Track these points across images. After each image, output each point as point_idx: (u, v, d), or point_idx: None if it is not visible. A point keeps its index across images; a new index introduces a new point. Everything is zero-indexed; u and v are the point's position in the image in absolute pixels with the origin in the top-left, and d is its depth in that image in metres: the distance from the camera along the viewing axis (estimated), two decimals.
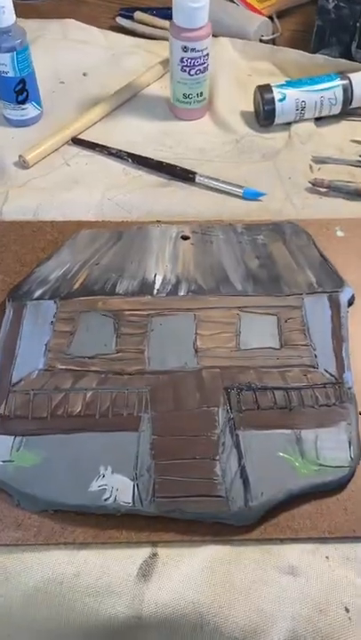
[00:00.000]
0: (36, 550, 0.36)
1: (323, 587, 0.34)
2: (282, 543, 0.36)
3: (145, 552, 0.36)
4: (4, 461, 0.38)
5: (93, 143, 0.63)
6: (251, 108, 0.67)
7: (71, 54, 0.75)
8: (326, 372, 0.42)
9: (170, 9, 0.60)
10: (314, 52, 0.71)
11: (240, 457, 0.38)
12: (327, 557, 0.35)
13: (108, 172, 0.60)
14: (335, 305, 0.46)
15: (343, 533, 0.36)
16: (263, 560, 0.35)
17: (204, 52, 0.62)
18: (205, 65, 0.63)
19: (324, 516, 0.36)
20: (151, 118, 0.67)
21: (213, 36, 0.63)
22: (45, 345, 0.44)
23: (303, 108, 0.63)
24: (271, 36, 0.77)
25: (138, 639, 0.35)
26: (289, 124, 0.65)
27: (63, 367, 0.42)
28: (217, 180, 0.58)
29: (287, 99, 0.63)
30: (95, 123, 0.66)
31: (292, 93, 0.63)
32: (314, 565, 0.35)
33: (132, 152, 0.61)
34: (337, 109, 0.64)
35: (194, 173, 0.59)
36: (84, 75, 0.72)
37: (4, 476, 0.38)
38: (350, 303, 0.47)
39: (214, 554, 0.35)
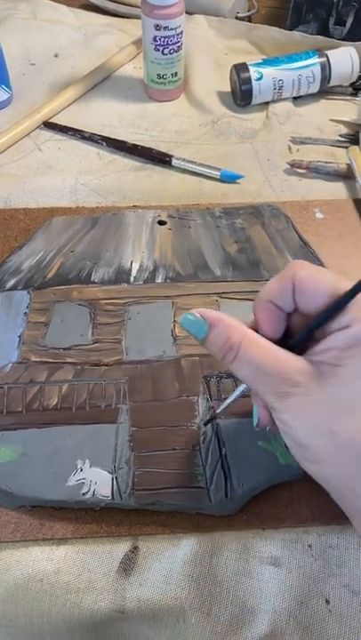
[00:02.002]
0: (14, 547, 0.35)
1: (304, 578, 0.34)
2: (264, 532, 0.36)
3: (126, 546, 0.35)
4: None
5: (66, 127, 0.61)
6: (227, 88, 0.65)
7: (42, 34, 0.72)
8: None
9: None
10: (291, 29, 0.70)
11: (221, 446, 0.37)
12: (310, 546, 0.35)
13: (81, 156, 0.59)
14: None
15: (326, 520, 0.35)
16: (245, 551, 0.35)
17: (178, 31, 0.60)
18: (179, 44, 0.61)
19: (307, 503, 0.36)
20: (125, 100, 0.65)
21: (187, 13, 0.62)
22: (19, 337, 0.42)
23: (281, 87, 0.62)
24: (247, 13, 0.75)
25: (121, 631, 0.35)
26: (267, 103, 0.64)
27: (38, 359, 0.41)
28: (194, 162, 0.57)
29: (264, 78, 0.61)
30: (68, 105, 0.64)
31: (269, 72, 0.61)
32: (296, 555, 0.35)
33: (107, 135, 0.60)
34: (315, 88, 0.63)
35: (170, 156, 0.57)
36: (56, 56, 0.70)
37: None
38: None
39: (196, 547, 0.35)
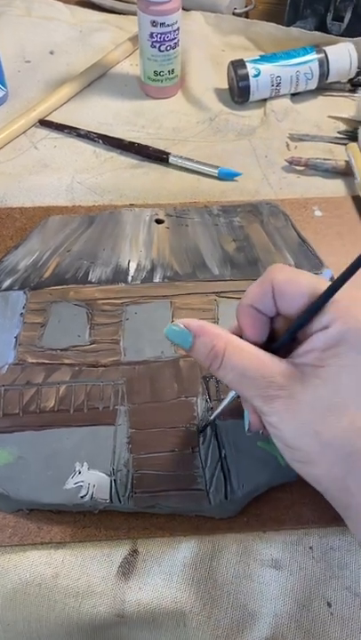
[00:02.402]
0: (12, 552, 0.35)
1: (306, 580, 0.34)
2: (265, 534, 0.35)
3: (125, 549, 0.35)
4: None
5: (62, 125, 0.60)
6: (225, 85, 0.65)
7: (37, 31, 0.72)
8: None
9: None
10: (288, 25, 0.69)
11: (220, 448, 0.37)
12: (311, 548, 0.35)
13: (77, 154, 0.58)
14: None
15: (327, 522, 0.35)
16: (246, 554, 0.34)
17: (175, 27, 0.59)
18: (176, 40, 0.60)
19: (307, 505, 0.36)
20: (122, 97, 0.65)
21: (184, 9, 0.61)
22: (15, 338, 0.42)
23: (279, 84, 0.62)
24: (244, 9, 0.75)
25: (121, 636, 0.35)
26: (264, 100, 0.63)
27: (35, 360, 0.41)
28: (191, 160, 0.56)
29: (262, 74, 0.61)
30: (63, 103, 0.63)
31: (266, 69, 0.61)
32: (297, 557, 0.34)
33: (103, 133, 0.59)
34: (313, 84, 0.63)
35: (167, 154, 0.57)
36: (51, 53, 0.70)
37: None
38: None
39: (196, 549, 0.35)
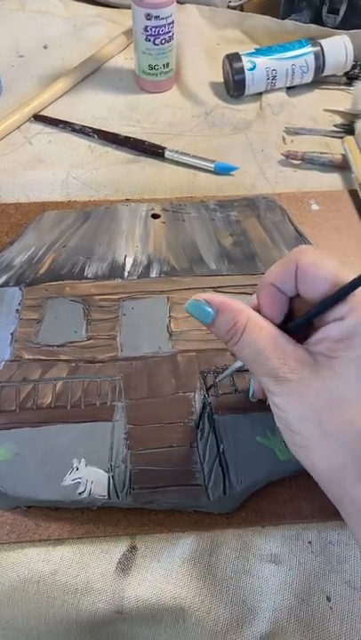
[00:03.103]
0: (9, 549, 0.35)
1: (305, 575, 0.34)
2: (264, 529, 0.35)
3: (123, 546, 0.35)
4: None
5: (56, 119, 0.60)
6: (220, 79, 0.65)
7: (30, 26, 0.71)
8: None
9: None
10: (283, 18, 0.69)
11: (218, 443, 0.37)
12: (310, 543, 0.35)
13: (72, 149, 0.58)
14: None
15: (326, 516, 0.35)
16: (245, 549, 0.34)
17: (169, 20, 0.59)
18: (171, 34, 0.60)
19: (306, 499, 0.35)
20: (116, 92, 0.64)
21: (178, 2, 0.61)
22: (11, 334, 0.42)
23: (274, 77, 0.61)
24: (239, 2, 0.74)
25: (120, 632, 0.35)
26: (260, 94, 0.63)
27: (31, 357, 0.40)
28: (187, 154, 0.56)
29: (257, 67, 0.61)
30: (58, 98, 0.63)
31: (262, 62, 0.61)
32: (296, 552, 0.34)
33: (98, 128, 0.59)
34: (309, 77, 0.62)
35: (163, 148, 0.56)
36: (45, 47, 0.69)
37: None
38: None
39: (195, 545, 0.34)
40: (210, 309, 0.30)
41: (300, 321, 0.29)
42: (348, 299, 0.27)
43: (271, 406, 0.29)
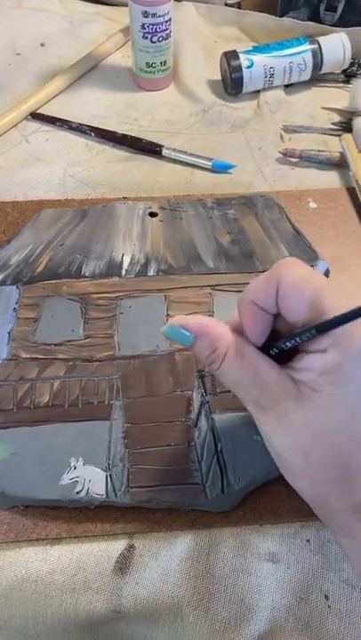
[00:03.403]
0: (7, 548, 0.35)
1: (303, 573, 0.34)
2: (262, 528, 0.35)
3: (121, 545, 0.35)
4: None
5: (54, 117, 0.60)
6: (217, 77, 0.64)
7: (27, 23, 0.71)
8: None
9: None
10: (281, 16, 0.69)
11: (216, 442, 0.36)
12: (308, 541, 0.34)
13: (69, 147, 0.58)
14: None
15: None
16: (243, 547, 0.34)
17: (166, 18, 0.59)
18: (168, 31, 0.60)
19: None
20: (114, 90, 0.64)
21: (176, 0, 0.60)
22: (8, 333, 0.41)
23: (272, 75, 0.61)
24: (236, 0, 0.74)
25: (118, 631, 0.34)
26: (258, 92, 0.63)
27: (28, 356, 0.40)
28: (185, 152, 0.56)
29: (255, 65, 0.60)
30: (55, 96, 0.63)
31: (259, 59, 0.60)
32: (294, 550, 0.34)
33: (95, 126, 0.59)
34: (307, 75, 0.62)
35: (160, 146, 0.56)
36: (42, 45, 0.69)
37: None
38: (325, 277, 0.45)
39: (193, 544, 0.34)
40: (188, 333, 0.29)
41: (281, 347, 0.28)
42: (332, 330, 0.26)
43: (259, 429, 0.29)
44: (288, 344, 0.27)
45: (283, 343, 0.28)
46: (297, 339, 0.27)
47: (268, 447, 0.29)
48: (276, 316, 0.29)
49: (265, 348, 0.29)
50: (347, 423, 0.26)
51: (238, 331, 0.29)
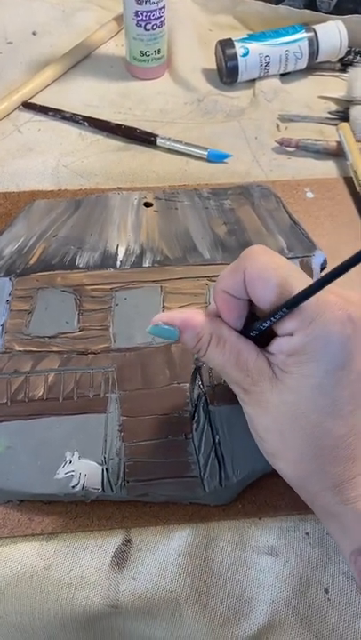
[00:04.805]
0: (2, 544, 0.34)
1: (302, 566, 0.33)
2: (261, 521, 0.35)
3: (118, 539, 0.34)
4: None
5: (46, 107, 0.59)
6: (212, 66, 0.64)
7: (18, 12, 0.70)
8: None
9: None
10: (277, 3, 0.68)
11: (214, 434, 0.36)
12: (307, 534, 0.34)
13: (63, 137, 0.57)
14: (307, 270, 0.43)
15: None
16: (241, 541, 0.34)
17: (161, 5, 0.58)
18: (162, 19, 0.59)
19: None
20: (107, 79, 0.63)
21: None
22: (2, 326, 0.41)
23: (268, 64, 0.60)
24: None
25: (115, 626, 0.34)
26: (253, 80, 0.62)
27: (22, 349, 0.40)
28: (180, 142, 0.55)
29: (250, 53, 0.60)
30: (47, 85, 0.62)
31: (255, 48, 0.60)
32: (293, 544, 0.34)
33: (89, 115, 0.58)
34: (303, 64, 0.62)
35: (155, 136, 0.55)
36: (34, 34, 0.68)
37: None
38: (323, 268, 0.45)
39: (191, 538, 0.34)
40: (172, 329, 0.31)
41: (255, 330, 0.30)
42: (296, 314, 0.27)
43: (245, 412, 0.31)
44: (264, 324, 0.29)
45: (260, 324, 0.29)
46: (271, 318, 0.28)
47: (251, 429, 0.30)
48: (251, 301, 0.30)
49: (245, 332, 0.30)
50: (315, 402, 0.28)
51: (219, 317, 0.31)
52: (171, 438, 0.36)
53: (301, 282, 0.27)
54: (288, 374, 0.28)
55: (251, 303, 0.30)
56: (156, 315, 0.41)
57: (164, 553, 0.34)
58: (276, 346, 0.28)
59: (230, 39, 0.60)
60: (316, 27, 0.61)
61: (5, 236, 0.46)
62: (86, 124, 0.57)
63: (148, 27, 0.58)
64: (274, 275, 0.28)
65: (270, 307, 0.28)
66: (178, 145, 0.55)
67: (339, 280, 0.25)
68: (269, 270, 0.28)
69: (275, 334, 0.29)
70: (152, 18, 0.58)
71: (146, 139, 0.56)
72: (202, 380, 0.38)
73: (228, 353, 0.29)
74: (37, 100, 0.60)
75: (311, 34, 0.60)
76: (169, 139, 0.55)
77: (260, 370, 0.29)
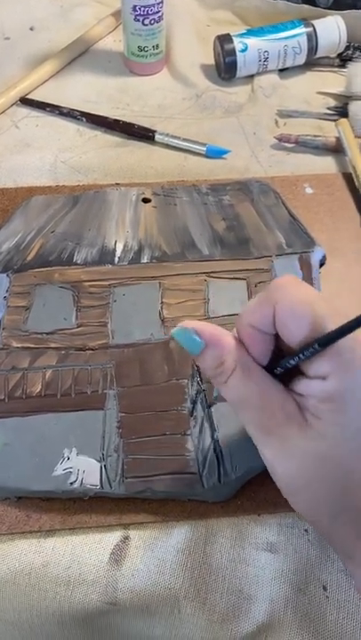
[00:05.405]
0: (0, 541, 0.34)
1: (301, 564, 0.33)
2: (260, 517, 0.34)
3: (116, 536, 0.34)
4: None
5: (44, 103, 0.59)
6: (211, 61, 0.63)
7: (16, 7, 0.70)
8: None
9: None
10: None
11: (213, 430, 0.36)
12: (306, 531, 0.34)
13: (60, 133, 0.56)
14: (306, 266, 0.43)
15: None
16: (240, 538, 0.34)
17: (158, 0, 0.57)
18: (160, 14, 0.59)
19: None
20: (105, 74, 0.63)
21: None
22: None
23: (266, 59, 0.60)
24: None
25: (114, 624, 0.34)
26: (252, 76, 0.62)
27: (19, 345, 0.39)
28: (178, 137, 0.55)
29: (249, 49, 0.59)
30: (45, 81, 0.61)
31: (253, 43, 0.59)
32: (293, 540, 0.34)
33: (87, 111, 0.57)
34: (301, 59, 0.61)
35: (153, 132, 0.55)
36: (31, 29, 0.67)
37: None
38: (322, 264, 0.45)
39: (189, 534, 0.34)
40: (200, 340, 0.28)
41: (280, 367, 0.27)
42: (330, 354, 0.25)
43: (259, 451, 0.28)
44: (292, 361, 0.27)
45: (287, 361, 0.27)
46: (300, 355, 0.26)
47: (269, 470, 0.28)
48: (278, 335, 0.28)
49: (268, 368, 0.28)
50: (349, 450, 0.26)
51: (243, 346, 0.28)
52: (169, 435, 0.36)
53: (336, 318, 0.25)
54: (321, 421, 0.26)
55: (276, 338, 0.28)
56: (154, 311, 0.41)
57: (162, 550, 0.33)
58: (306, 388, 0.26)
59: (229, 34, 0.60)
60: (315, 22, 0.60)
61: (3, 232, 0.46)
62: (84, 119, 0.57)
63: (146, 22, 0.58)
64: (308, 310, 0.26)
65: (300, 344, 0.26)
66: (176, 141, 0.55)
67: None
68: (304, 305, 0.26)
69: (300, 373, 0.27)
70: (150, 13, 0.58)
71: (144, 134, 0.55)
72: (200, 377, 0.38)
73: (254, 386, 0.27)
74: (35, 96, 0.59)
75: (310, 29, 0.60)
76: (167, 134, 0.55)
77: (288, 413, 0.26)
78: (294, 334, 0.26)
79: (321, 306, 0.26)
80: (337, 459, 0.26)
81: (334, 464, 0.26)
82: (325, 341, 0.25)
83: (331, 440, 0.26)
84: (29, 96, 0.59)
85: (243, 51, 0.59)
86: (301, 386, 0.27)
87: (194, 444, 0.35)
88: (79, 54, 0.64)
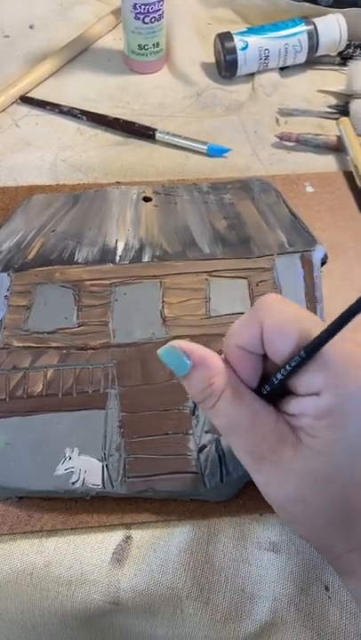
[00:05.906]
0: (1, 541, 0.34)
1: (304, 564, 0.33)
2: (262, 517, 0.34)
3: (118, 536, 0.34)
4: None
5: (44, 101, 0.58)
6: (211, 59, 0.63)
7: (15, 5, 0.69)
8: None
9: None
10: None
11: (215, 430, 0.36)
12: None
13: (61, 131, 0.56)
14: (308, 265, 0.43)
15: None
16: (243, 537, 0.34)
17: None
18: (161, 12, 0.58)
19: None
20: (105, 72, 0.63)
21: None
22: (0, 321, 0.40)
23: (267, 57, 0.60)
24: None
25: (116, 624, 0.34)
26: (252, 74, 0.61)
27: (21, 344, 0.39)
28: (179, 136, 0.55)
29: (250, 47, 0.59)
30: (45, 79, 0.61)
31: (254, 41, 0.59)
32: (295, 540, 0.34)
33: (87, 109, 0.57)
34: (302, 58, 0.61)
35: (154, 130, 0.55)
36: (31, 27, 0.67)
37: None
38: (323, 262, 0.44)
39: (192, 534, 0.34)
40: (187, 361, 0.27)
41: (272, 385, 0.27)
42: (321, 368, 0.24)
43: (252, 478, 0.27)
44: (279, 375, 0.26)
45: (274, 376, 0.26)
46: (286, 366, 0.25)
47: (265, 496, 0.27)
48: (266, 356, 0.27)
49: (257, 391, 0.27)
50: (347, 467, 0.25)
51: (231, 368, 0.27)
52: (171, 434, 0.36)
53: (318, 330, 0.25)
54: (317, 439, 0.25)
55: (264, 361, 0.27)
56: (155, 310, 0.41)
57: (164, 549, 0.33)
58: (299, 407, 0.26)
59: (229, 32, 0.60)
60: (316, 20, 0.60)
61: (3, 231, 0.46)
62: (84, 118, 0.57)
63: (147, 20, 0.58)
64: (296, 326, 0.25)
65: (286, 359, 0.25)
66: (177, 139, 0.54)
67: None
68: (291, 322, 0.25)
69: (289, 393, 0.26)
70: (150, 11, 0.57)
71: (145, 133, 0.55)
72: None
73: (244, 410, 0.26)
74: (35, 94, 0.59)
75: (311, 27, 0.60)
76: (168, 133, 0.55)
77: (280, 434, 0.25)
78: (282, 351, 0.25)
79: (308, 321, 0.26)
80: (333, 475, 0.25)
81: (331, 481, 0.25)
82: (312, 348, 0.24)
83: (327, 457, 0.25)
84: (30, 94, 0.59)
85: (243, 49, 0.59)
86: (293, 405, 0.26)
87: (196, 443, 0.35)
88: (79, 52, 0.64)
